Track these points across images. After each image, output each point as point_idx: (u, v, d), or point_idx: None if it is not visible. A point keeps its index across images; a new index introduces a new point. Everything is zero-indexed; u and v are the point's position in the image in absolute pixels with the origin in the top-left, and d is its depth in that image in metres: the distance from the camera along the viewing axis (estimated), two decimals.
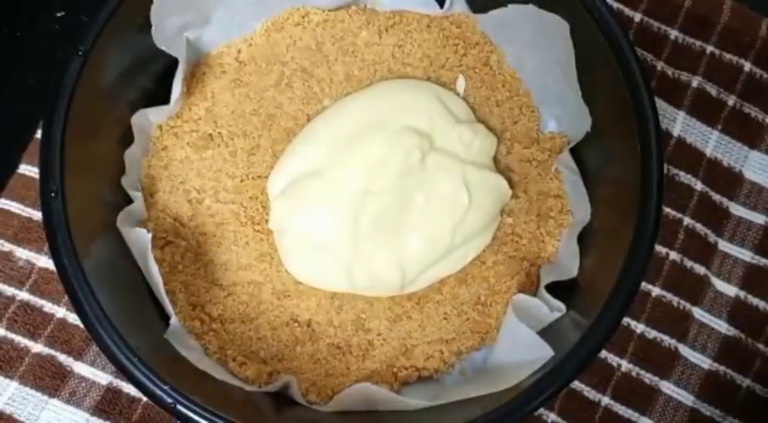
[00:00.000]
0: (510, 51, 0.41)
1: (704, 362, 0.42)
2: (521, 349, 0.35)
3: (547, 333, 0.35)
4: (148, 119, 0.39)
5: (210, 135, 0.40)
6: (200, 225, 0.39)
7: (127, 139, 0.38)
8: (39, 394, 0.39)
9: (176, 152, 0.39)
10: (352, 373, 0.37)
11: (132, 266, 0.36)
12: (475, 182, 0.39)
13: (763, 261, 0.43)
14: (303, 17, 0.42)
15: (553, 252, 0.39)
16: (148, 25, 0.37)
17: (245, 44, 0.41)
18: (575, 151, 0.39)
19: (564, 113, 0.40)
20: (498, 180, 0.39)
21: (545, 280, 0.38)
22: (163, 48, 0.38)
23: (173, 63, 0.39)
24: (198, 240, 0.38)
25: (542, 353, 0.33)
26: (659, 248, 0.42)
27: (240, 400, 0.35)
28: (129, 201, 0.37)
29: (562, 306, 0.36)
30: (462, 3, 0.41)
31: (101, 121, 0.37)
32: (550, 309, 0.36)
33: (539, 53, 0.40)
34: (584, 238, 0.38)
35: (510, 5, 0.39)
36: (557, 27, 0.37)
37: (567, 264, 0.37)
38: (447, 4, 0.41)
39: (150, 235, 0.35)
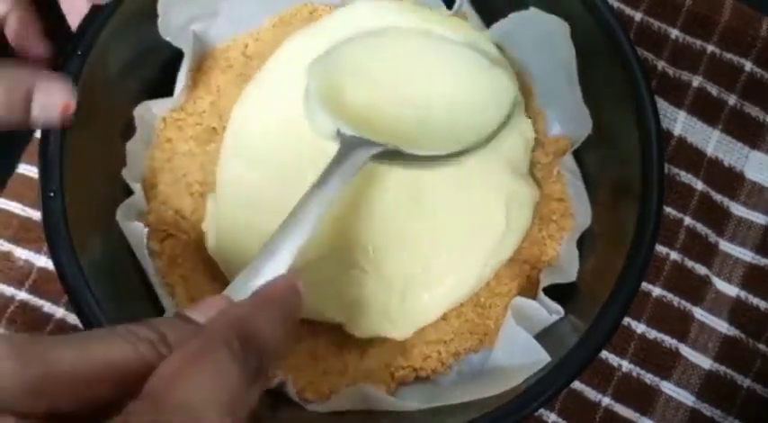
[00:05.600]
0: (514, 55, 0.41)
1: (705, 362, 0.42)
2: (518, 353, 0.35)
3: (544, 336, 0.35)
4: (151, 111, 0.39)
5: (215, 129, 0.39)
6: (202, 219, 0.38)
7: (128, 134, 0.38)
8: None
9: (180, 145, 0.39)
10: (349, 373, 0.37)
11: (132, 266, 0.36)
12: (513, 195, 0.37)
13: (763, 261, 0.43)
14: (311, 13, 0.41)
15: (554, 255, 0.39)
16: (153, 16, 0.37)
17: (251, 39, 0.41)
18: (575, 153, 0.39)
19: (566, 116, 0.40)
20: (534, 191, 0.38)
21: (544, 283, 0.37)
22: (168, 39, 0.38)
23: (176, 54, 0.38)
24: (198, 234, 0.38)
25: (539, 358, 0.33)
26: (660, 248, 0.42)
27: None
28: (131, 190, 0.37)
29: (560, 309, 0.36)
30: (467, 4, 0.41)
31: (102, 115, 0.36)
32: (549, 312, 0.36)
33: (541, 56, 0.39)
34: (582, 242, 0.38)
35: (511, 15, 0.39)
36: (557, 29, 0.37)
37: (567, 267, 0.37)
38: (456, 7, 0.40)
39: (146, 229, 0.35)
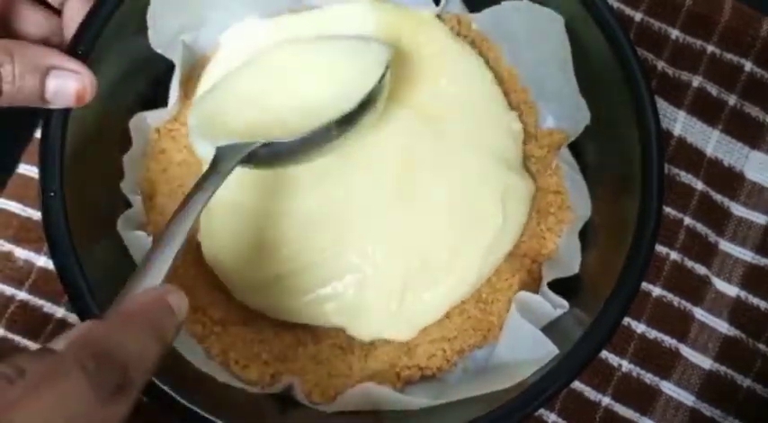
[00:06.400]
0: (506, 48, 0.41)
1: (705, 362, 0.42)
2: (524, 347, 0.35)
3: (549, 331, 0.35)
4: (146, 122, 0.39)
5: None
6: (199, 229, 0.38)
7: (126, 140, 0.38)
8: None
9: (174, 155, 0.39)
10: (355, 374, 0.37)
11: (132, 266, 0.36)
12: (509, 189, 0.38)
13: (763, 261, 0.43)
14: None
15: (554, 249, 0.39)
16: (146, 27, 0.37)
17: None
18: (576, 148, 0.39)
19: (562, 109, 0.40)
20: (529, 185, 0.38)
21: (547, 277, 0.37)
22: (159, 51, 0.38)
23: (171, 65, 0.38)
24: (198, 244, 0.38)
25: (546, 350, 0.33)
26: (660, 248, 0.42)
27: (243, 401, 0.35)
28: (129, 201, 0.37)
29: (565, 303, 0.36)
30: (457, 1, 0.41)
31: (100, 120, 0.36)
32: (553, 306, 0.36)
33: (535, 48, 0.39)
34: (585, 235, 0.38)
35: (504, 2, 0.39)
36: (551, 22, 0.37)
37: (569, 260, 0.37)
38: (443, 3, 0.41)
39: (150, 239, 0.35)
